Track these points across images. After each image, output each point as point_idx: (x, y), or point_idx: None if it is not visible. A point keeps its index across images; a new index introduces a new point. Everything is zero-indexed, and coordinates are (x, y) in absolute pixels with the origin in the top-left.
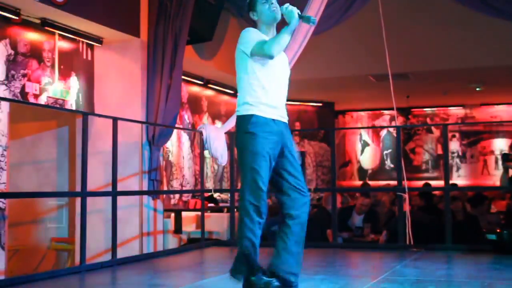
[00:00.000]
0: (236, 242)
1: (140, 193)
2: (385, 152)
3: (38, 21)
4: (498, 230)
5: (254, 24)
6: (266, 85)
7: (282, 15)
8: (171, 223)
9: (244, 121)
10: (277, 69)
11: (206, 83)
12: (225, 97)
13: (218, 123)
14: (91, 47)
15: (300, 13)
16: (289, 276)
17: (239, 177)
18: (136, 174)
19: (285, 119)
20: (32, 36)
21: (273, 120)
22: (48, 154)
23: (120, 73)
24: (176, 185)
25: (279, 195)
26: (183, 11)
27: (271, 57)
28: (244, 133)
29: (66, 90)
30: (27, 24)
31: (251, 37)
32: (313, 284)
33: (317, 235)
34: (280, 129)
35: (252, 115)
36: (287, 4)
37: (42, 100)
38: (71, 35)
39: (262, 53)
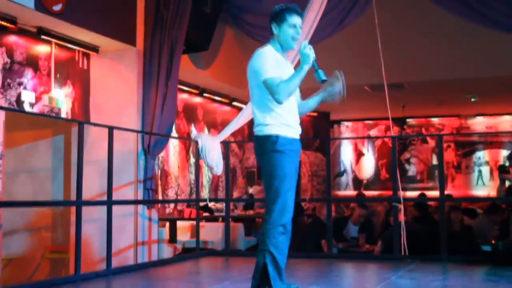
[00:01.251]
0: (231, 252)
1: (135, 202)
2: (380, 162)
3: (34, 30)
4: (493, 242)
5: (266, 39)
6: (286, 105)
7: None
8: (166, 232)
9: (268, 140)
10: None
11: (202, 92)
12: (221, 106)
13: (213, 132)
14: (87, 56)
15: (315, 61)
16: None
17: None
18: (131, 183)
19: (299, 135)
20: (29, 44)
21: (294, 139)
22: (43, 163)
23: (116, 82)
24: (171, 194)
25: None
26: (179, 21)
27: (279, 103)
28: (272, 152)
29: (62, 99)
30: (24, 33)
31: (267, 65)
32: None
33: (312, 245)
34: (299, 147)
35: (276, 136)
36: (306, 43)
37: (38, 108)
38: (68, 44)
39: (271, 93)
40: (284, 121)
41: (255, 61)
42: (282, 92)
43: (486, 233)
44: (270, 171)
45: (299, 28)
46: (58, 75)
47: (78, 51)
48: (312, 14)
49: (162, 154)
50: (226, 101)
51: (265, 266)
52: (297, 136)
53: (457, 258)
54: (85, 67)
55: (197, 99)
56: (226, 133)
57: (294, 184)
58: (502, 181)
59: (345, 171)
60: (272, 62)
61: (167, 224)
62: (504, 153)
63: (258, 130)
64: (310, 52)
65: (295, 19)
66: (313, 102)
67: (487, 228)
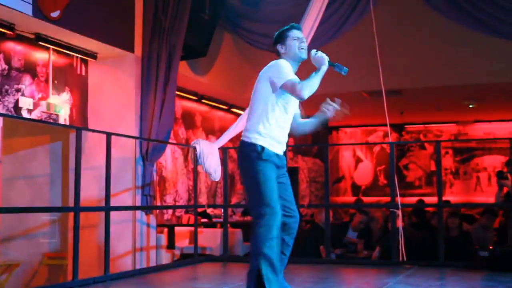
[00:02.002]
0: (230, 257)
1: (133, 208)
2: (378, 168)
3: (32, 36)
4: (490, 247)
5: (276, 54)
6: (281, 123)
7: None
8: (164, 238)
9: (253, 148)
10: (291, 108)
11: (200, 99)
12: (219, 113)
13: (212, 139)
14: (85, 62)
15: (330, 60)
16: None
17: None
18: (130, 189)
19: (283, 152)
20: (26, 51)
21: (277, 154)
22: (41, 169)
23: (114, 88)
24: (169, 200)
25: None
26: (178, 27)
27: (301, 99)
28: (257, 160)
29: (60, 105)
30: (21, 39)
31: (285, 71)
32: None
33: (310, 251)
34: (282, 162)
35: (262, 146)
36: (315, 51)
37: (36, 115)
38: (65, 50)
39: (293, 93)
40: (273, 135)
41: (272, 68)
42: (305, 88)
43: (482, 237)
44: (254, 178)
45: (302, 38)
46: (56, 82)
47: (76, 57)
48: (310, 21)
49: (160, 160)
50: (225, 107)
51: (260, 271)
52: (281, 152)
53: (455, 263)
54: (83, 73)
55: (195, 105)
56: (224, 139)
57: (277, 188)
58: (500, 187)
59: (343, 177)
60: (289, 69)
61: (165, 230)
62: (502, 159)
63: (246, 136)
64: (322, 54)
65: (296, 33)
66: (311, 123)
67: (483, 233)
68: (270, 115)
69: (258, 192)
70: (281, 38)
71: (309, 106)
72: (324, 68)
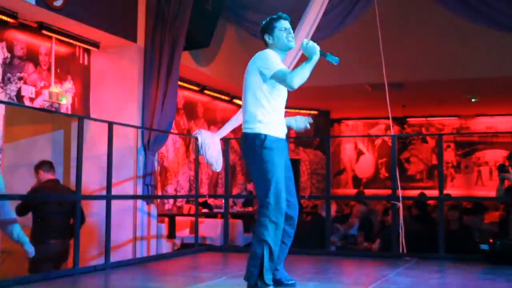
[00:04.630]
0: (230, 248)
1: (134, 197)
2: (379, 161)
3: (35, 25)
4: (491, 240)
5: (265, 45)
6: (277, 106)
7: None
8: (164, 228)
9: (258, 138)
10: (284, 91)
11: (202, 89)
12: (221, 103)
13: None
14: (88, 51)
15: (321, 50)
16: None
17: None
18: (131, 179)
19: (285, 135)
20: (29, 39)
21: (281, 138)
22: (42, 157)
23: (116, 78)
24: (170, 190)
25: None
26: (181, 17)
27: (292, 89)
28: (262, 149)
29: (62, 94)
30: (24, 28)
31: (273, 60)
32: None
33: (312, 242)
34: (285, 145)
35: (265, 135)
36: (306, 40)
37: (38, 103)
38: (68, 39)
39: (283, 82)
40: (273, 120)
41: (260, 58)
42: (295, 77)
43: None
44: (261, 167)
45: (290, 29)
46: (58, 70)
47: (79, 46)
48: (314, 13)
49: (162, 150)
50: (227, 98)
51: (262, 258)
52: (284, 136)
53: (455, 256)
54: (86, 62)
55: (198, 96)
56: (226, 130)
57: (284, 177)
58: (502, 181)
59: (344, 169)
60: (278, 60)
61: (166, 220)
62: (504, 153)
63: (247, 128)
64: (314, 44)
65: (283, 23)
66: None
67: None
68: (265, 102)
69: (265, 182)
70: (269, 28)
71: (310, 98)
72: (316, 57)
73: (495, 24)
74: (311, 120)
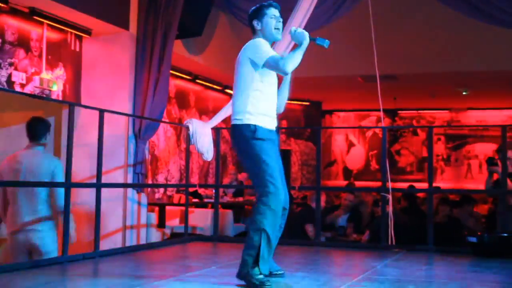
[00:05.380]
0: (220, 238)
1: (124, 185)
2: (370, 153)
3: (26, 10)
4: (479, 233)
5: (253, 32)
6: (268, 97)
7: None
8: (154, 217)
9: (247, 129)
10: (274, 81)
11: (194, 78)
12: (213, 93)
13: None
14: (79, 38)
15: (310, 35)
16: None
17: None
18: (121, 167)
19: (275, 127)
20: (20, 25)
21: (271, 130)
22: None
23: (108, 65)
24: (161, 179)
25: None
26: (173, 5)
27: (285, 74)
28: (253, 140)
29: (53, 81)
30: (15, 13)
31: (264, 49)
32: (294, 281)
33: (302, 233)
34: (276, 137)
35: (255, 125)
36: (294, 28)
37: (29, 89)
38: (60, 26)
39: (276, 68)
40: (263, 111)
41: (251, 48)
42: (288, 63)
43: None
44: (255, 158)
45: (279, 17)
46: (49, 57)
47: (71, 33)
48: (306, 3)
49: (153, 139)
50: (218, 87)
51: (260, 247)
52: (274, 128)
53: (443, 248)
54: (77, 49)
55: (190, 85)
56: (218, 119)
57: (278, 166)
58: (490, 174)
59: (335, 161)
60: (268, 47)
61: (156, 209)
62: (494, 147)
63: (236, 119)
64: (303, 30)
65: (273, 11)
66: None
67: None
68: (255, 93)
69: (260, 172)
70: (259, 14)
71: (301, 89)
72: (305, 43)
73: (488, 17)
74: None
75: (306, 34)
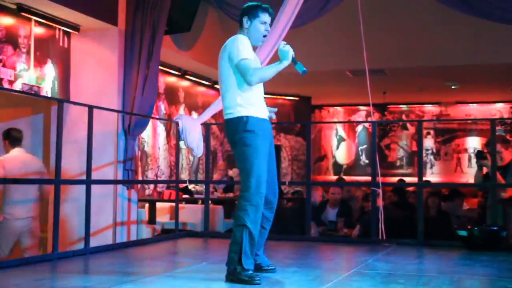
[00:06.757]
0: (210, 233)
1: (114, 182)
2: (360, 147)
3: (14, 7)
4: (469, 227)
5: (240, 28)
6: (255, 88)
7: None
8: (145, 213)
9: (240, 121)
10: None
11: (183, 74)
12: (202, 88)
13: (194, 114)
14: (68, 34)
15: (294, 56)
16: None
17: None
18: (111, 164)
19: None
20: (8, 21)
21: (263, 119)
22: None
23: (96, 61)
24: (151, 175)
25: None
26: (162, 1)
27: (249, 85)
28: (244, 133)
29: (42, 77)
30: (3, 9)
31: (242, 48)
32: (285, 276)
33: (294, 227)
34: (269, 127)
35: (247, 116)
36: (284, 43)
37: (17, 86)
38: (48, 22)
39: (244, 76)
40: (253, 101)
41: (233, 43)
42: (256, 75)
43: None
44: (243, 151)
45: (268, 26)
46: (37, 53)
47: (59, 29)
48: None
49: (142, 135)
50: (208, 83)
51: (242, 243)
52: (266, 117)
53: (433, 242)
54: (66, 45)
55: (179, 81)
56: (207, 115)
57: (266, 161)
58: (480, 167)
59: (325, 156)
60: (248, 47)
61: (147, 205)
62: (483, 141)
63: (228, 113)
64: (289, 49)
65: (266, 17)
66: None
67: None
68: (242, 85)
69: (247, 166)
70: (251, 13)
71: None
72: (286, 63)
73: (477, 12)
74: (275, 110)
75: (291, 53)
